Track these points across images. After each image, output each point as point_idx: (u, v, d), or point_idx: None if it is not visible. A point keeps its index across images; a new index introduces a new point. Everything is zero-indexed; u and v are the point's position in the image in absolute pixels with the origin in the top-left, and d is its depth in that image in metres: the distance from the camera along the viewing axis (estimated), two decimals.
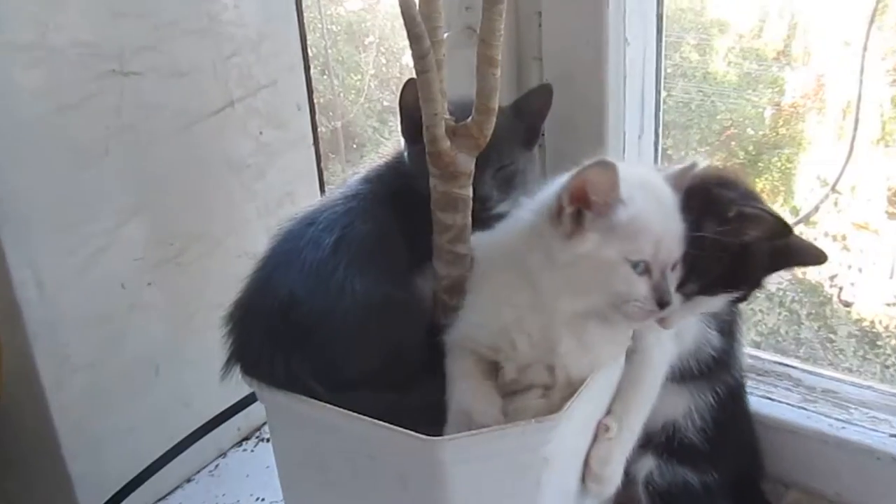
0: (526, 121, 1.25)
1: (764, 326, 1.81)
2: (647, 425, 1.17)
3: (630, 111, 1.38)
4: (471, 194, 1.10)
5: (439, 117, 1.05)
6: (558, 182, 1.04)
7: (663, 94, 1.44)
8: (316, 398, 1.04)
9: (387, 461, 1.04)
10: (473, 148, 1.08)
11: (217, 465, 1.59)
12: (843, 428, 1.31)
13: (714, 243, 1.04)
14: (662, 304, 1.00)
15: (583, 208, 0.99)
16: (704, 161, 1.12)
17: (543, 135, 1.36)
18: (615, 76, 1.33)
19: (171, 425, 1.46)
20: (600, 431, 1.11)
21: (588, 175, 0.98)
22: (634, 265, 1.00)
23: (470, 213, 1.11)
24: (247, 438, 1.65)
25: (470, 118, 1.07)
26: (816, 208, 1.66)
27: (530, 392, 1.07)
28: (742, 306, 1.20)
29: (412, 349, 1.09)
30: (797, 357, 1.54)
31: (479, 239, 1.12)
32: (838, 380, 1.40)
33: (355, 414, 1.01)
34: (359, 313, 1.07)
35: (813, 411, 1.35)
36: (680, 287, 1.06)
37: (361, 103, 2.45)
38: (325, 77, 2.42)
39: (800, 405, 1.37)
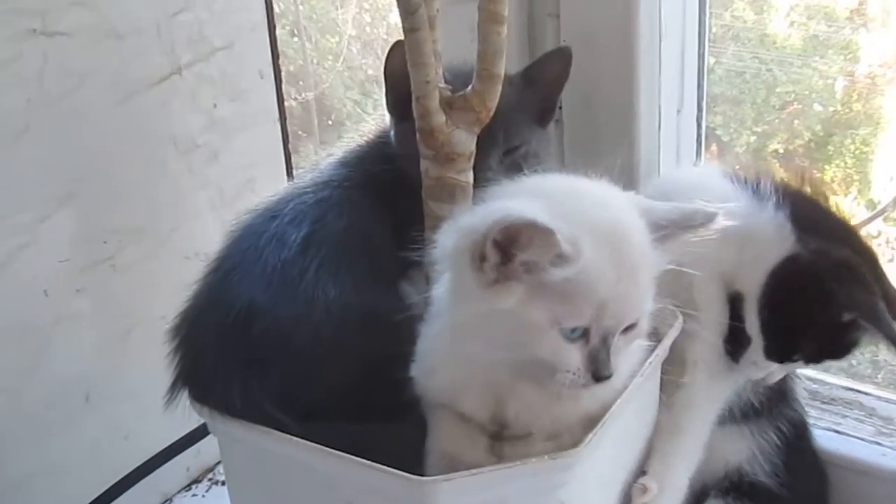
0: (539, 92, 1.25)
1: None
2: (705, 475, 1.18)
3: (667, 80, 1.38)
4: (471, 181, 1.11)
5: (432, 86, 1.05)
6: (485, 209, 0.98)
7: (709, 59, 1.44)
8: (281, 430, 1.04)
9: None
10: (474, 123, 1.08)
11: None
12: None
13: (821, 331, 1.15)
14: (598, 377, 0.98)
15: (510, 262, 0.95)
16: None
17: (560, 108, 1.36)
18: (649, 36, 1.34)
19: (105, 463, 1.47)
20: (636, 495, 1.10)
21: (518, 231, 0.92)
22: (566, 330, 0.97)
23: (470, 203, 1.11)
24: (197, 481, 1.65)
25: (470, 87, 1.07)
26: None
27: (531, 436, 1.06)
28: None
29: (399, 370, 1.09)
30: (872, 382, 1.54)
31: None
32: None
33: (329, 449, 1.01)
34: (333, 326, 1.07)
35: (889, 447, 1.36)
36: (781, 359, 1.16)
37: (339, 71, 2.46)
38: (294, 39, 2.43)
39: (874, 439, 1.37)
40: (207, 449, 1.55)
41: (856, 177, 1.76)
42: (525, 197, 0.98)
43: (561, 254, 0.93)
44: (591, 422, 1.03)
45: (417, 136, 1.09)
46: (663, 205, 1.07)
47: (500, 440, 1.05)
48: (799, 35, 1.74)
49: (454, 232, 1.00)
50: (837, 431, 1.39)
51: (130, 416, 1.51)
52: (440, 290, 1.07)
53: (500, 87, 1.07)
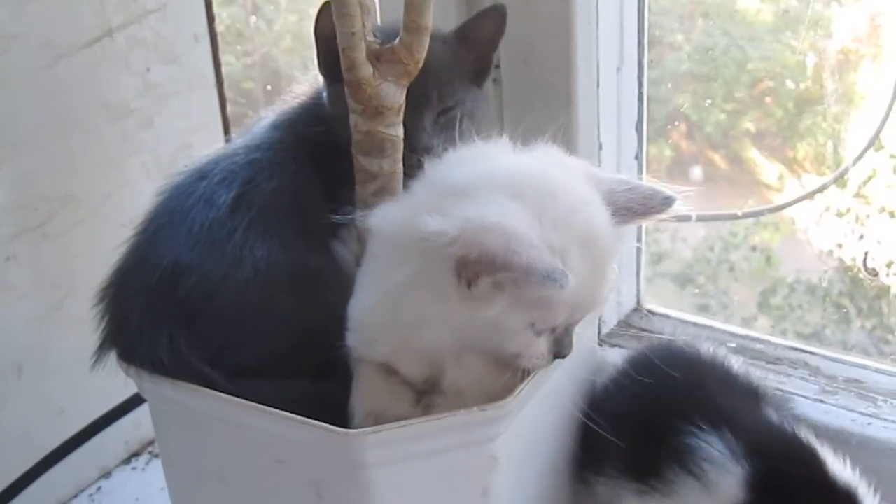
0: (473, 51, 1.25)
1: (805, 326, 1.83)
2: None
3: (605, 36, 1.39)
4: (400, 134, 1.11)
5: (358, 37, 1.05)
6: (468, 218, 0.95)
7: (647, 14, 1.45)
8: (210, 387, 1.05)
9: (298, 465, 1.05)
10: (402, 76, 1.09)
11: (99, 488, 1.59)
12: (870, 424, 1.34)
13: None
14: (560, 356, 1.03)
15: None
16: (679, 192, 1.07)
17: (498, 67, 1.37)
18: None
19: (39, 437, 1.47)
20: None
21: (534, 280, 0.93)
22: (538, 329, 1.01)
23: (400, 157, 1.12)
24: (136, 455, 1.65)
25: (397, 39, 1.08)
26: (870, 178, 1.68)
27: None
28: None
29: (329, 327, 1.09)
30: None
31: (384, 209, 1.09)
32: (863, 366, 1.42)
33: (257, 405, 1.02)
34: (261, 284, 1.08)
35: (832, 404, 1.38)
36: None
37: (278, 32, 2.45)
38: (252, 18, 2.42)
39: (818, 397, 1.39)
40: (146, 422, 1.53)
41: (828, 155, 1.77)
42: (496, 197, 0.99)
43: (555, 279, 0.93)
44: None
45: (346, 89, 1.10)
46: (615, 178, 1.08)
47: (432, 393, 1.06)
48: (769, 10, 1.74)
49: (405, 219, 1.01)
50: (781, 391, 1.40)
51: (65, 389, 1.51)
52: (373, 263, 1.08)
53: (427, 39, 1.07)
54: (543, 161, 1.06)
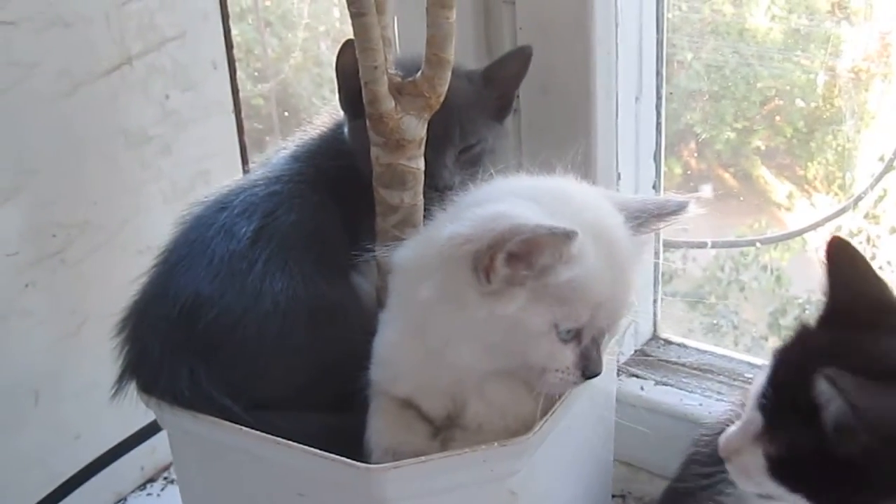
0: (498, 89, 1.27)
1: None
2: None
3: (624, 67, 1.40)
4: (422, 167, 1.13)
5: (380, 70, 1.06)
6: (480, 215, 0.99)
7: (666, 46, 1.46)
8: (230, 420, 1.06)
9: (319, 499, 1.06)
10: (424, 109, 1.10)
11: None
12: None
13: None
14: (589, 375, 1.02)
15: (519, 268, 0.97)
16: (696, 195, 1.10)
17: (518, 97, 1.38)
18: (605, 23, 1.35)
19: (55, 463, 1.47)
20: None
21: (542, 240, 0.95)
22: (563, 332, 1.00)
23: (421, 190, 1.13)
24: (152, 480, 1.65)
25: (419, 73, 1.09)
26: (881, 198, 1.68)
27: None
28: None
29: (349, 361, 1.10)
30: None
31: (406, 243, 1.10)
32: None
33: (278, 438, 1.03)
34: (280, 317, 1.09)
35: None
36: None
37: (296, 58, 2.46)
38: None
39: None
40: (162, 448, 1.55)
41: (838, 173, 1.77)
42: (511, 198, 1.01)
43: (570, 257, 0.96)
44: None
45: (367, 122, 1.11)
46: (634, 197, 1.10)
47: (450, 428, 1.07)
48: (780, 29, 1.73)
49: (428, 242, 1.04)
50: None
51: (81, 416, 1.51)
52: (398, 298, 1.09)
53: (449, 73, 1.08)
54: (561, 181, 1.08)
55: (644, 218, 1.06)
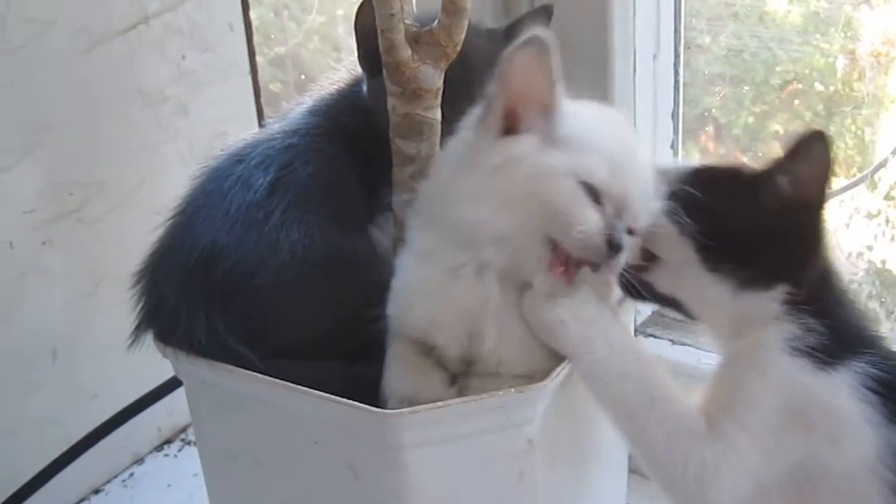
0: None
1: None
2: None
3: (642, 24, 1.40)
4: (438, 118, 1.12)
5: (396, 18, 1.06)
6: None
7: (684, 4, 1.45)
8: (246, 368, 1.06)
9: (334, 446, 1.06)
10: (441, 58, 1.09)
11: (132, 474, 1.61)
12: None
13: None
14: (613, 244, 0.99)
15: (518, 108, 1.02)
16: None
17: None
18: None
19: (72, 422, 1.48)
20: None
21: (518, 56, 1.01)
22: (585, 185, 1.00)
23: (438, 141, 1.13)
24: (169, 441, 1.67)
25: (436, 21, 1.08)
26: None
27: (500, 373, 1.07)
28: None
29: (365, 311, 1.10)
30: None
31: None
32: None
33: (294, 385, 1.03)
34: (297, 266, 1.09)
35: None
36: None
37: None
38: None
39: None
40: (179, 409, 1.55)
41: (857, 158, 1.76)
42: None
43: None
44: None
45: (384, 72, 1.11)
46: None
47: (467, 375, 1.07)
48: (799, 12, 1.73)
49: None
50: None
51: (98, 375, 1.53)
52: (416, 218, 1.10)
53: (466, 21, 1.08)
54: None
55: None
